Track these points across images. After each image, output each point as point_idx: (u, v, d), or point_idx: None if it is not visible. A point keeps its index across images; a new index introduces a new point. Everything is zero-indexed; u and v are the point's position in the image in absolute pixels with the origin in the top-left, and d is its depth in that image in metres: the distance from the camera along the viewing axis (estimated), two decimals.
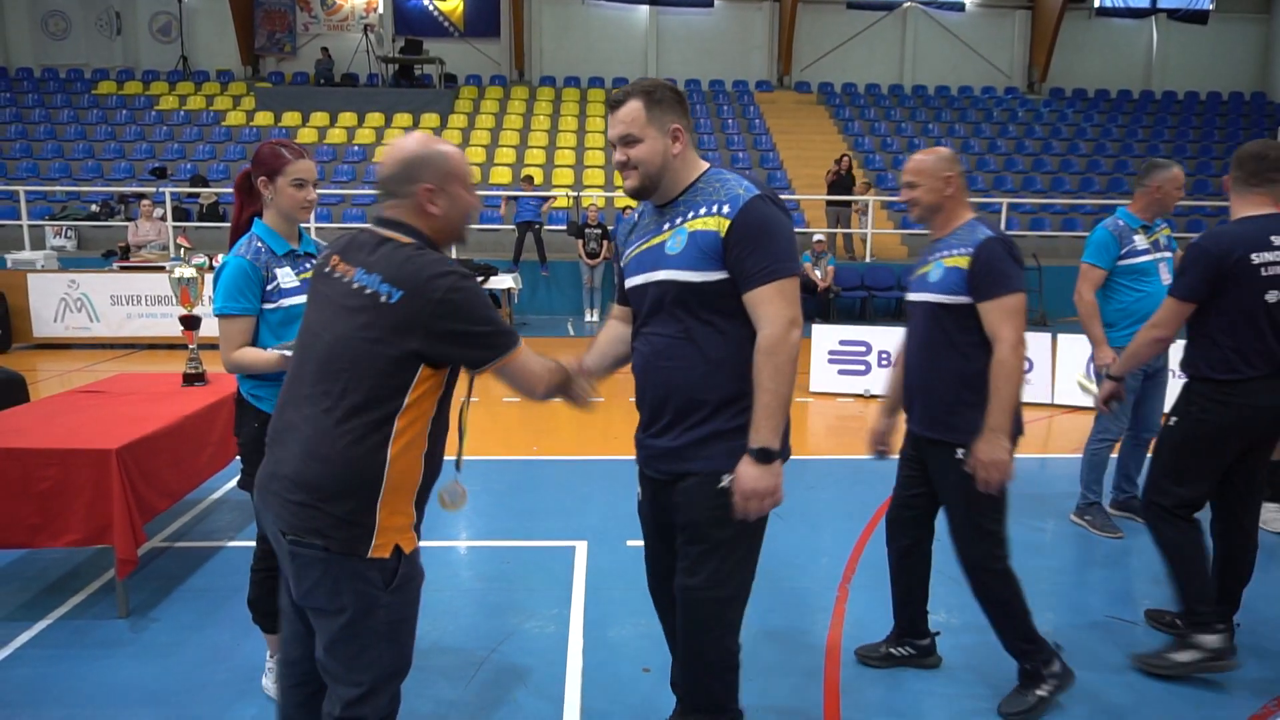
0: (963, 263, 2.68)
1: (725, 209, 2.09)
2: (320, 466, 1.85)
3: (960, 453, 2.72)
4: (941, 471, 2.83)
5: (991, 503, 2.74)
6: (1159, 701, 2.96)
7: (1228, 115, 19.70)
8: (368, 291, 1.87)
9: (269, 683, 2.93)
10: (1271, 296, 2.93)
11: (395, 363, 1.85)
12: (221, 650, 3.24)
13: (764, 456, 2.08)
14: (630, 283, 2.27)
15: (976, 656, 3.25)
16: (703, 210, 2.13)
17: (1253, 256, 2.92)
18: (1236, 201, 3.07)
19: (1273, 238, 2.95)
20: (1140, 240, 4.21)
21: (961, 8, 20.42)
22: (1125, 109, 19.85)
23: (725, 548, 2.20)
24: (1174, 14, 20.16)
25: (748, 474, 2.09)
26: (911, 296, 2.92)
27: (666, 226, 2.18)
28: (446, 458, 2.15)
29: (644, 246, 2.23)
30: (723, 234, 2.08)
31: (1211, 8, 20.00)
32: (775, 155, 17.33)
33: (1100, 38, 20.65)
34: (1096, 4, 20.31)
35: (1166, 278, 4.19)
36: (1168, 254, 4.28)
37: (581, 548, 4.23)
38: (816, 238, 12.96)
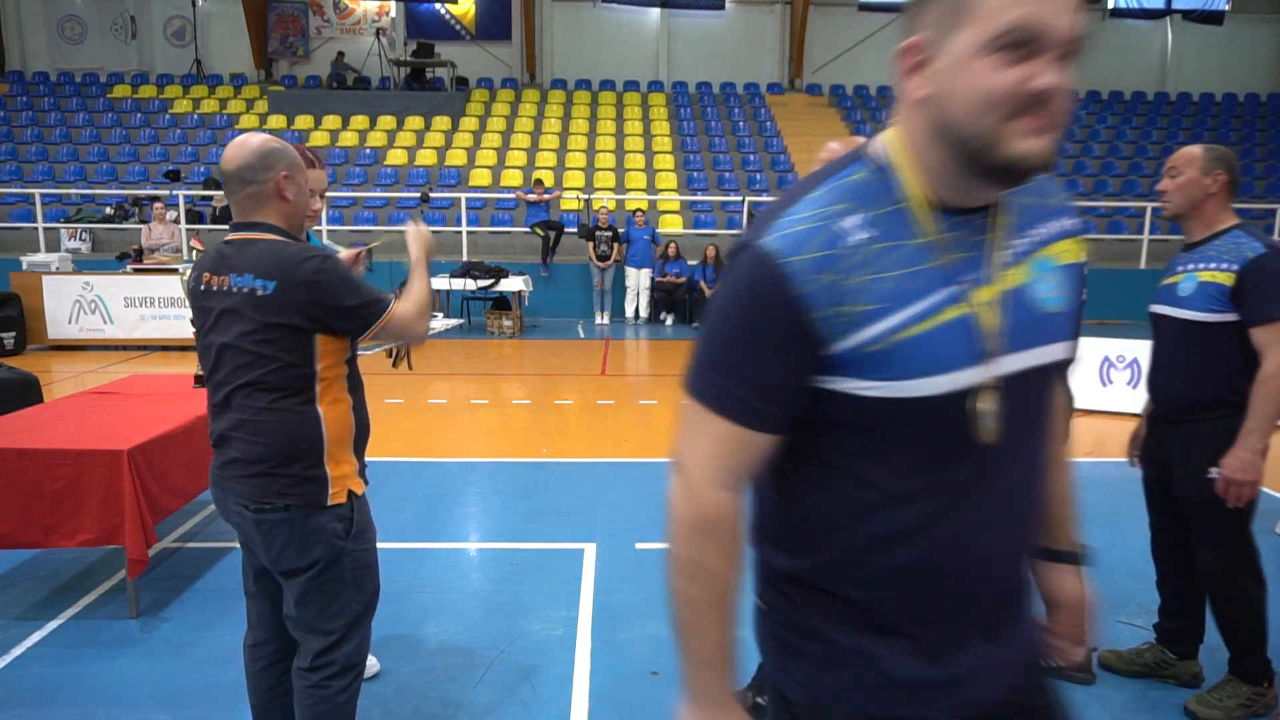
0: None
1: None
2: (268, 439, 2.07)
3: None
4: None
5: None
6: (1167, 704, 2.95)
7: (1244, 117, 19.54)
8: (245, 290, 2.06)
9: None
10: None
11: (290, 339, 2.05)
12: (232, 650, 3.24)
13: None
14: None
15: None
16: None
17: None
18: None
19: None
20: None
21: None
22: (1139, 110, 19.72)
23: None
24: (1189, 14, 20.00)
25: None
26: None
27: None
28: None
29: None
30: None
31: (1227, 8, 19.83)
32: (786, 158, 17.29)
33: (1114, 38, 20.52)
34: (1110, 5, 20.19)
35: None
36: None
37: (590, 550, 4.23)
38: None
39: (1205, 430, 2.74)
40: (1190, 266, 2.76)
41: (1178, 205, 2.77)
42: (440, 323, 9.52)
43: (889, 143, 1.10)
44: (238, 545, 4.26)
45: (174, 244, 11.78)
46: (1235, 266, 2.65)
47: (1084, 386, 7.37)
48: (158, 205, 12.18)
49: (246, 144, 2.10)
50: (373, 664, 3.09)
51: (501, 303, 12.06)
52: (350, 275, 2.09)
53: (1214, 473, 2.71)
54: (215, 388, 2.15)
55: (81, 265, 11.62)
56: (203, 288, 2.14)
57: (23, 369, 5.23)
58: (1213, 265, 2.70)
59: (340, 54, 18.94)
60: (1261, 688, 2.86)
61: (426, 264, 2.34)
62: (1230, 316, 2.67)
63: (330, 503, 2.11)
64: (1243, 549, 2.79)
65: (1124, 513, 4.60)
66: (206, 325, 2.14)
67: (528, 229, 13.88)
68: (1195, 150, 2.75)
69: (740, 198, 14.75)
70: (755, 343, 1.06)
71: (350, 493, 2.15)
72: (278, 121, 17.55)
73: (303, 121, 17.54)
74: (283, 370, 2.06)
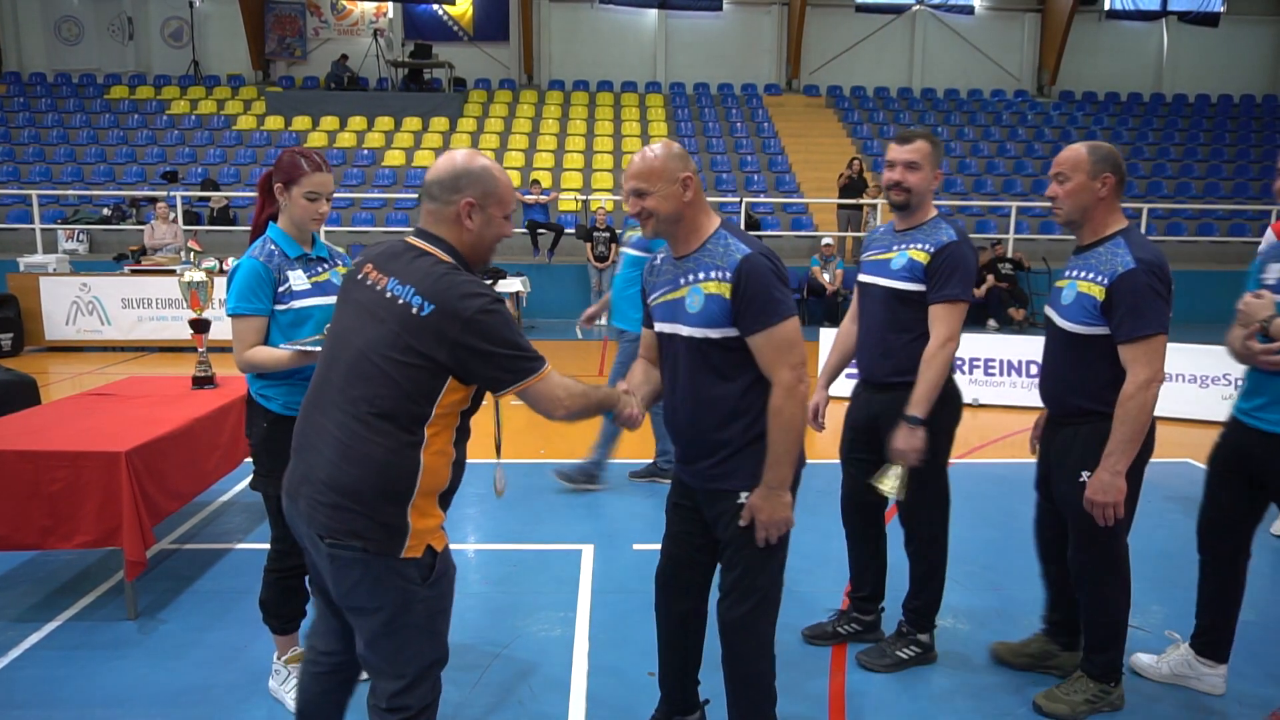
0: (724, 290, 2.20)
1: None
2: (356, 470, 1.90)
3: (743, 497, 2.29)
4: (723, 521, 2.37)
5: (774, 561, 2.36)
6: (1162, 708, 2.95)
7: (1239, 118, 19.59)
8: (400, 301, 1.92)
9: (276, 684, 2.94)
10: None
11: (422, 372, 1.91)
12: (230, 652, 3.25)
13: None
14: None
15: (986, 656, 3.24)
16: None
17: None
18: None
19: None
20: None
21: (971, 10, 20.38)
22: (1136, 112, 19.76)
23: None
24: (1184, 16, 20.05)
25: None
26: (663, 328, 2.37)
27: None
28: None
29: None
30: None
31: (1222, 10, 19.89)
32: (784, 159, 17.31)
33: (1110, 40, 20.56)
34: (1106, 6, 20.23)
35: None
36: None
37: (588, 551, 4.24)
38: (825, 241, 12.94)
39: (1081, 434, 2.72)
40: (1073, 274, 2.74)
41: (1069, 211, 2.73)
42: None
43: None
44: (236, 546, 4.27)
45: (177, 244, 11.78)
46: (1105, 280, 2.61)
47: None
48: (161, 205, 12.21)
49: (447, 159, 2.02)
50: None
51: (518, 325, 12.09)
52: (513, 324, 1.95)
53: (1085, 476, 2.71)
54: (326, 384, 1.98)
55: (79, 266, 11.61)
56: (359, 277, 2.03)
57: (20, 370, 5.22)
58: (1090, 275, 2.67)
59: (344, 56, 18.93)
60: (1108, 686, 2.90)
61: (620, 412, 2.26)
62: (1101, 329, 2.65)
63: (404, 555, 1.93)
64: (1108, 552, 2.78)
65: None
66: (343, 317, 2.02)
67: (525, 229, 13.90)
68: (1081, 152, 2.69)
69: (738, 199, 14.74)
70: None
71: (429, 548, 1.97)
72: (275, 122, 17.55)
73: (300, 122, 17.53)
74: (399, 398, 1.89)
